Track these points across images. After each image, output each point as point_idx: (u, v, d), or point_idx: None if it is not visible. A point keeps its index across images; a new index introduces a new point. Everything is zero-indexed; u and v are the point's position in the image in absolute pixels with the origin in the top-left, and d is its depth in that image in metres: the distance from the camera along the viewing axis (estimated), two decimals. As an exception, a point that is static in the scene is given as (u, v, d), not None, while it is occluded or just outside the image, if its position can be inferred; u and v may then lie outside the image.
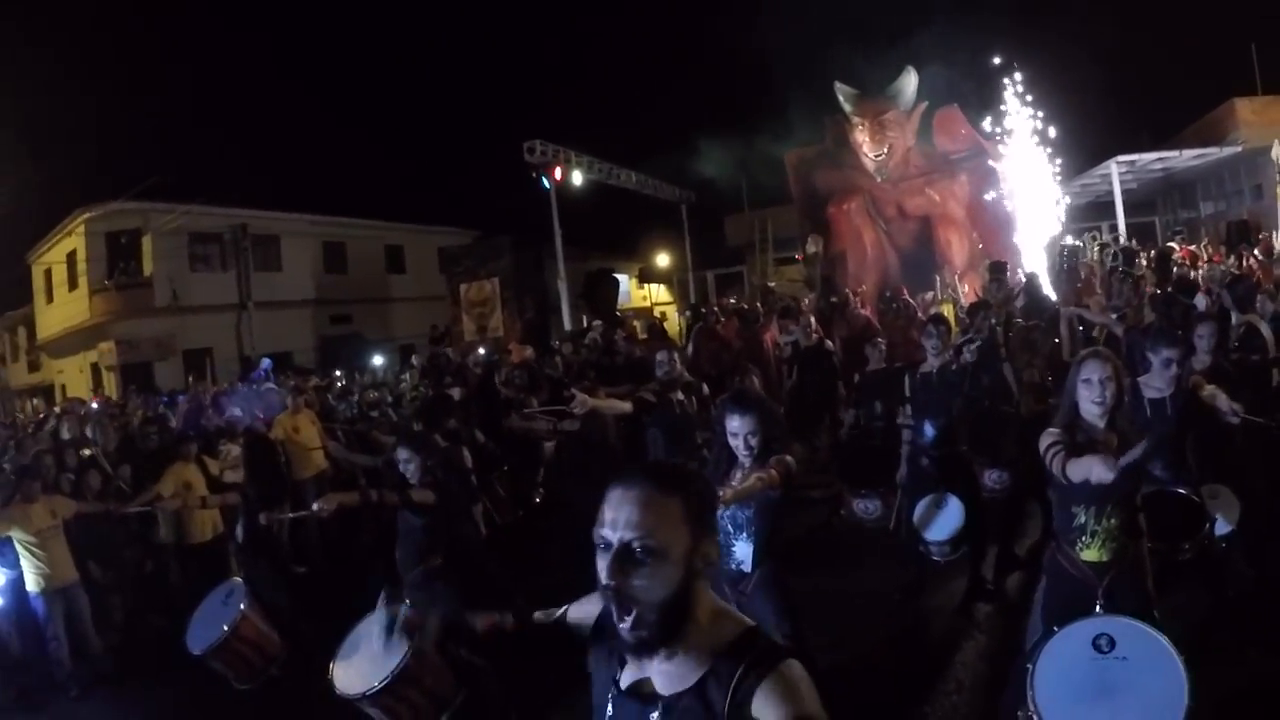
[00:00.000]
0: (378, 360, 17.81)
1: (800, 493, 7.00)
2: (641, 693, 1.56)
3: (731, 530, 3.56)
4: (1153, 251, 14.39)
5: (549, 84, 41.21)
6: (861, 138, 16.24)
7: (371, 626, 4.25)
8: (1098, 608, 3.08)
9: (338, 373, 15.94)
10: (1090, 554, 3.17)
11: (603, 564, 1.45)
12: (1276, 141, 18.42)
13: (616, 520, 1.45)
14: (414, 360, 14.49)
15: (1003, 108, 15.02)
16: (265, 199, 23.49)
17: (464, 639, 4.15)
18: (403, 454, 4.89)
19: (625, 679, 1.60)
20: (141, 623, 6.93)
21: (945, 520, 5.31)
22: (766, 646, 1.54)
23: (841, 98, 16.63)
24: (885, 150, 16.16)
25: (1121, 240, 16.39)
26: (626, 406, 5.63)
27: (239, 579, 5.44)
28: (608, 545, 1.45)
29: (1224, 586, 4.41)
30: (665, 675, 1.52)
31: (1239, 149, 19.75)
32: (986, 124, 15.36)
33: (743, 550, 3.55)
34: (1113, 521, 3.12)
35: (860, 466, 7.36)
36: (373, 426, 9.49)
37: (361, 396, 12.40)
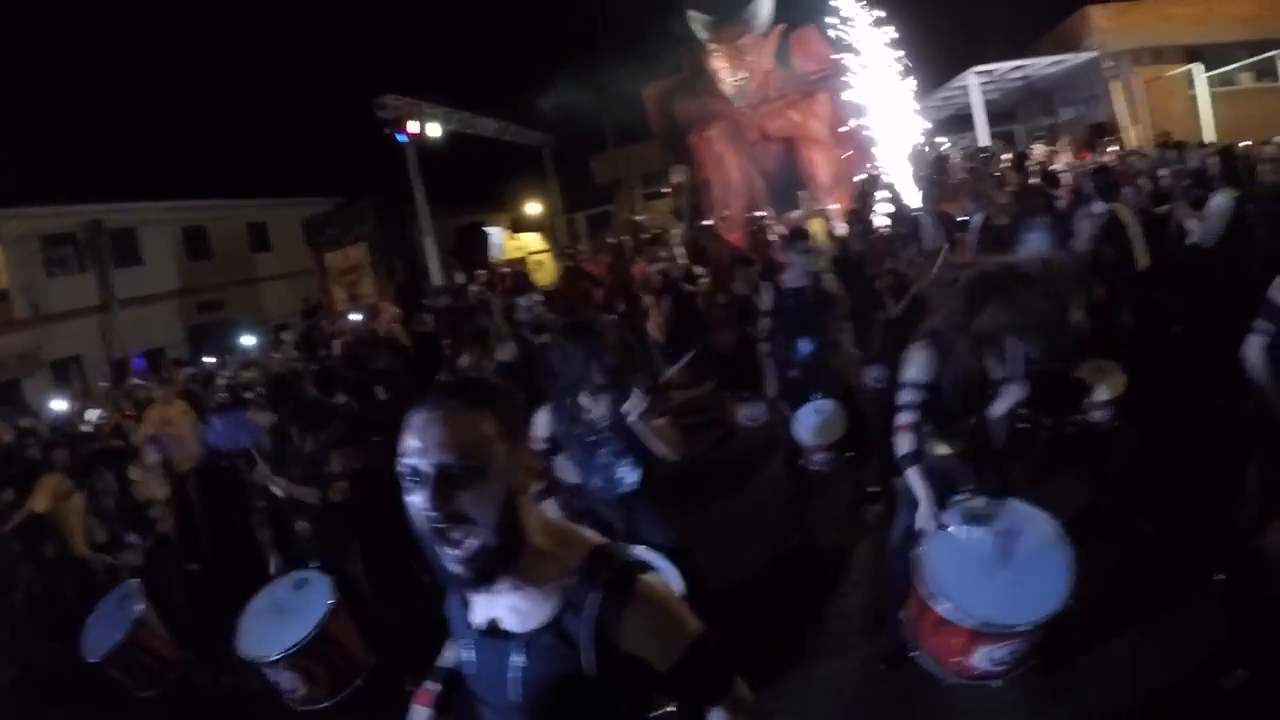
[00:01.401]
0: (250, 341, 16.83)
1: (686, 419, 7.42)
2: (497, 632, 1.45)
3: (615, 457, 3.66)
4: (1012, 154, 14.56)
5: (397, 36, 39.77)
6: (719, 64, 16.03)
7: (277, 591, 4.26)
8: (968, 491, 3.18)
9: (206, 360, 15.04)
10: (942, 449, 3.32)
11: (419, 497, 1.33)
12: (1099, 50, 18.94)
13: (426, 445, 1.32)
14: (284, 336, 13.64)
15: (854, 24, 14.94)
16: (116, 191, 22.00)
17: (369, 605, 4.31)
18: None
19: (478, 618, 1.48)
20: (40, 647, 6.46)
21: (826, 426, 5.27)
22: (620, 565, 1.43)
23: (696, 25, 16.36)
24: (744, 75, 16.00)
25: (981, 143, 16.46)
26: None
27: (134, 580, 5.03)
28: (420, 475, 1.33)
29: (1108, 460, 4.58)
30: (516, 611, 1.43)
31: (1095, 54, 20.10)
32: (842, 41, 15.26)
33: (628, 473, 3.67)
34: (971, 421, 3.28)
35: (741, 376, 7.43)
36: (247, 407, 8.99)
37: (234, 378, 11.73)
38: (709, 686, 1.44)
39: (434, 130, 18.21)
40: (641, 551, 3.08)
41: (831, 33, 15.13)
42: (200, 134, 32.50)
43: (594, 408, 3.58)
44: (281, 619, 4.06)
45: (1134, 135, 17.99)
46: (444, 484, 1.31)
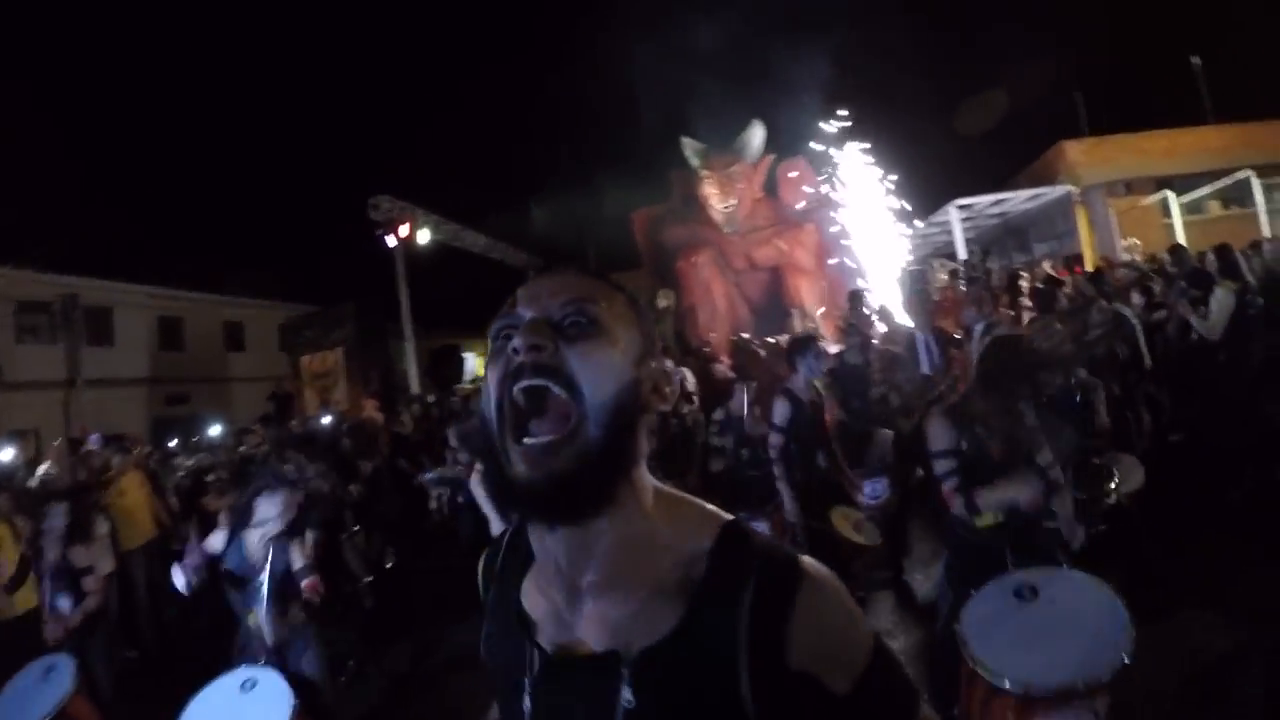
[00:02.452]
0: (214, 432, 16.40)
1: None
2: (584, 658, 0.97)
3: None
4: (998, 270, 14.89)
5: (393, 146, 40.45)
6: (710, 190, 16.18)
7: (220, 692, 3.62)
8: (1009, 564, 3.09)
9: (171, 443, 14.68)
10: (985, 520, 3.25)
11: (513, 348, 0.96)
12: (1067, 181, 19.52)
13: (537, 295, 1.01)
14: (254, 427, 13.27)
15: (842, 158, 15.27)
16: (98, 267, 21.68)
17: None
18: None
19: (549, 637, 1.02)
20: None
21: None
22: (770, 548, 1.00)
23: (689, 152, 16.58)
24: (734, 202, 16.14)
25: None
26: None
27: (65, 654, 4.40)
28: (517, 326, 0.99)
29: (1140, 544, 4.61)
30: (612, 624, 0.97)
31: (1068, 189, 20.68)
32: (831, 176, 15.58)
33: None
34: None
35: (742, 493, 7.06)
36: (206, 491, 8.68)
37: (196, 463, 11.44)
38: (895, 710, 1.01)
39: (424, 237, 18.21)
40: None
41: (820, 165, 15.44)
42: (189, 225, 32.56)
43: None
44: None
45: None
46: (546, 326, 0.98)
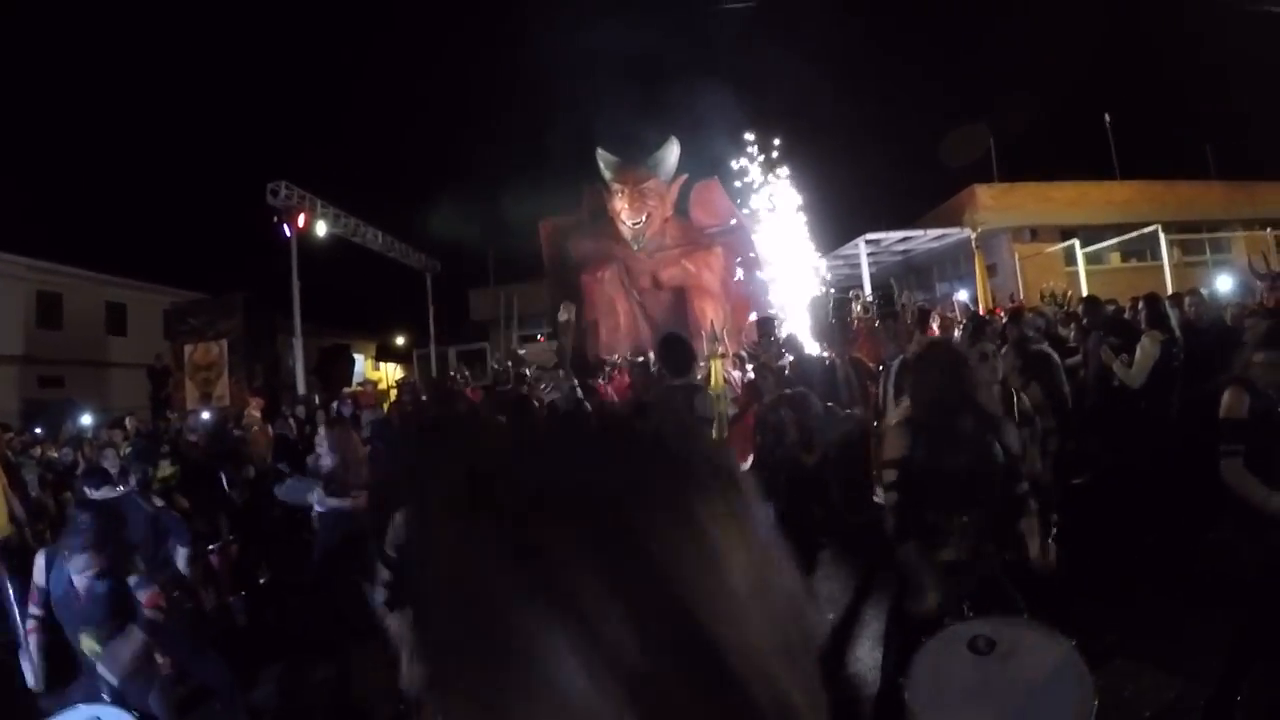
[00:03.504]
0: (87, 420, 15.37)
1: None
2: None
3: None
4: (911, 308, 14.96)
5: (296, 133, 39.28)
6: (620, 205, 15.91)
7: None
8: (966, 611, 2.89)
9: (38, 430, 13.68)
10: (946, 554, 3.13)
11: None
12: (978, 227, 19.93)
13: None
14: (127, 422, 12.51)
15: (759, 182, 15.20)
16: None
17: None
18: None
19: None
20: None
21: None
22: None
23: (602, 164, 16.30)
24: (643, 219, 15.90)
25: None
26: None
27: None
28: None
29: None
30: None
31: (968, 231, 21.15)
32: (745, 200, 15.49)
33: None
34: (965, 519, 3.10)
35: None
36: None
37: (54, 455, 10.66)
38: None
39: (321, 229, 17.54)
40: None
41: (734, 188, 15.35)
42: (77, 197, 30.84)
43: None
44: None
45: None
46: None
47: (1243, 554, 3.35)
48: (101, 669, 3.53)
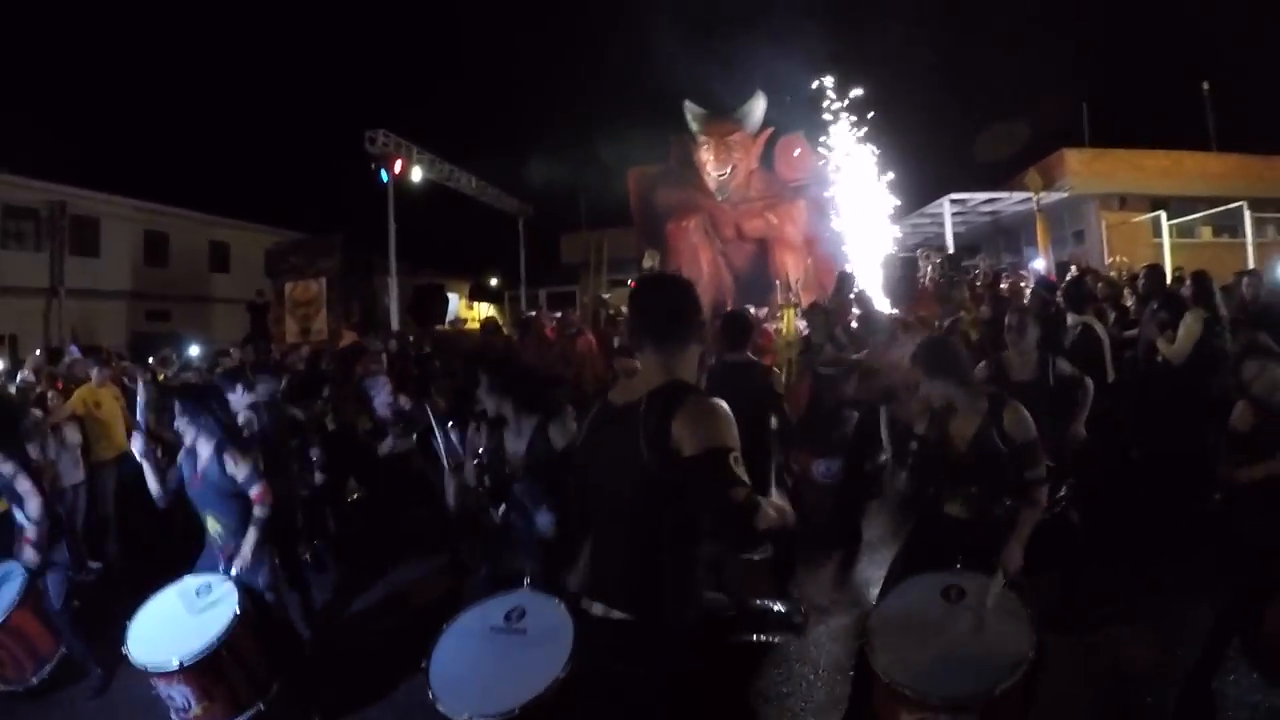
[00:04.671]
0: (194, 352, 16.37)
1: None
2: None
3: (531, 498, 3.57)
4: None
5: (394, 82, 40.02)
6: (706, 156, 16.24)
7: (177, 596, 3.81)
8: (958, 564, 3.11)
9: (150, 359, 14.66)
10: (953, 508, 3.35)
11: None
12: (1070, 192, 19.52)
13: None
14: (232, 352, 13.28)
15: (842, 137, 15.28)
16: (88, 177, 21.54)
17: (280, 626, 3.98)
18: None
19: None
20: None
21: None
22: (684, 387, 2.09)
23: (689, 116, 16.61)
24: (728, 170, 16.20)
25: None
26: None
27: (18, 562, 4.51)
28: None
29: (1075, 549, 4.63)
30: None
31: (1067, 194, 20.78)
32: (828, 154, 15.58)
33: (544, 520, 3.54)
34: (974, 489, 3.30)
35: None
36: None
37: (173, 377, 11.31)
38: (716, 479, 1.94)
39: (417, 175, 18.19)
40: (540, 600, 3.08)
41: (818, 142, 15.46)
42: (182, 142, 32.24)
43: (511, 441, 3.52)
44: (179, 627, 3.65)
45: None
46: None
47: (1235, 528, 3.53)
48: (219, 544, 4.07)
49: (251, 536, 4.00)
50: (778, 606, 4.68)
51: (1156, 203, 20.75)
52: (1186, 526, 4.72)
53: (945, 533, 3.32)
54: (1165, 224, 19.27)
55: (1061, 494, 4.37)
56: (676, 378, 2.15)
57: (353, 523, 7.33)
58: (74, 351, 13.26)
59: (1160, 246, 19.03)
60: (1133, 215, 21.23)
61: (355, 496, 7.76)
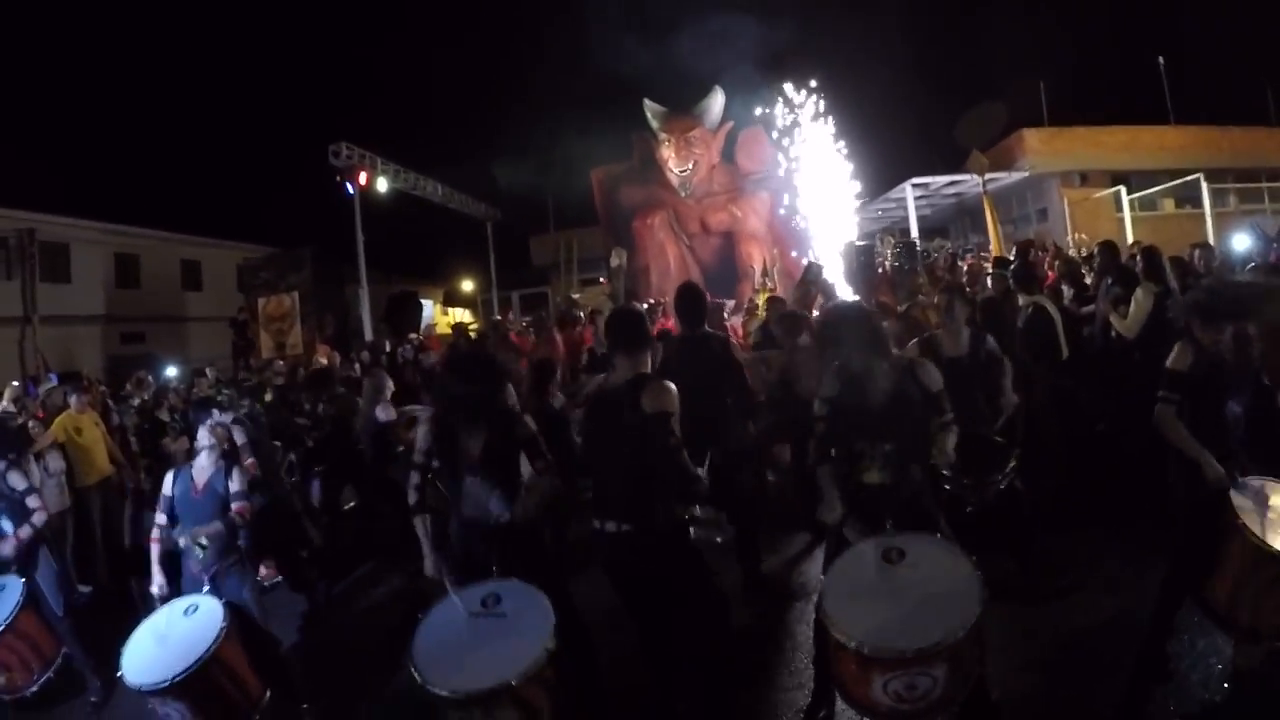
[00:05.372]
0: (172, 372, 16.42)
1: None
2: None
3: (487, 489, 3.66)
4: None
5: (355, 94, 40.13)
6: (667, 153, 16.43)
7: (165, 617, 3.96)
8: (888, 526, 3.22)
9: (128, 385, 14.67)
10: (871, 476, 3.42)
11: None
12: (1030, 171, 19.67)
13: None
14: (208, 372, 13.34)
15: (800, 126, 15.46)
16: (55, 203, 21.44)
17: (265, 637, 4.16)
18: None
19: None
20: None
21: None
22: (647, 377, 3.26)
23: (649, 114, 16.79)
24: (690, 166, 16.40)
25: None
26: None
27: (14, 574, 4.65)
28: None
29: (1025, 527, 4.76)
30: None
31: (1026, 174, 21.08)
32: (786, 145, 15.75)
33: (497, 506, 3.63)
34: (889, 447, 3.39)
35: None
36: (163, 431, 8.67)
37: (149, 401, 11.38)
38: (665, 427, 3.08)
39: (382, 185, 18.30)
40: (512, 586, 3.25)
41: (776, 135, 15.65)
42: (149, 164, 32.14)
43: (470, 438, 3.64)
44: (169, 645, 3.79)
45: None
46: None
47: (1176, 494, 3.55)
48: (201, 562, 4.18)
49: (227, 533, 4.24)
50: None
51: (1117, 178, 21.06)
52: (1145, 496, 4.71)
53: (869, 501, 3.39)
54: (1125, 199, 19.59)
55: (1010, 466, 4.53)
56: (641, 371, 3.35)
57: (346, 531, 7.48)
58: (53, 379, 13.26)
59: (1123, 221, 19.33)
60: (1094, 191, 21.55)
61: (350, 506, 7.96)
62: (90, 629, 4.55)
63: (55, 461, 6.97)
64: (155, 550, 4.35)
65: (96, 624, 4.30)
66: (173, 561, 4.37)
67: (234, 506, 4.29)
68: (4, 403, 9.35)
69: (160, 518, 4.37)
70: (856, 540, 3.27)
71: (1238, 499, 3.29)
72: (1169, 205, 21.84)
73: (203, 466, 4.37)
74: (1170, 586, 3.49)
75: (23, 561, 4.76)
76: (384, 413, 6.87)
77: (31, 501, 4.89)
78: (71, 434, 7.39)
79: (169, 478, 4.44)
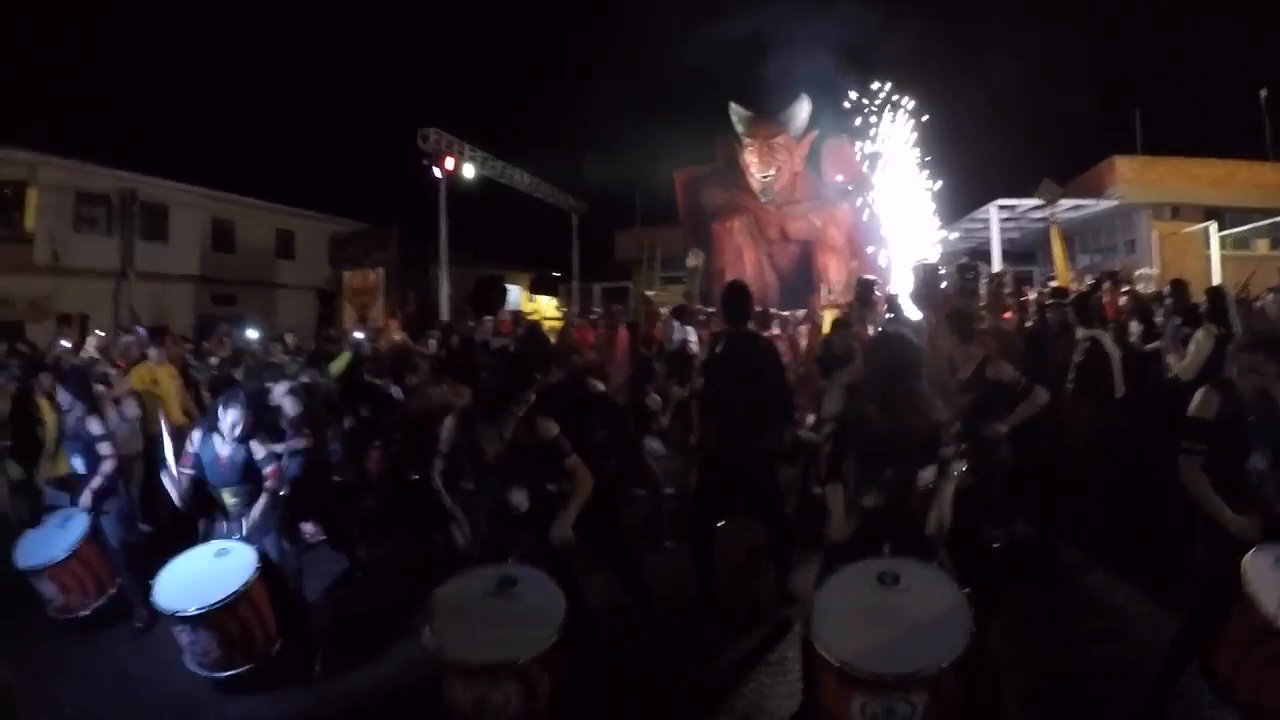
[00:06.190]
0: (253, 334, 17.10)
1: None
2: None
3: (508, 481, 3.82)
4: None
5: (449, 78, 40.97)
6: (750, 159, 16.57)
7: (199, 556, 4.35)
8: (885, 550, 3.25)
9: (206, 343, 15.38)
10: (869, 500, 3.45)
11: None
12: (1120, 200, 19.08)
13: None
14: (286, 338, 13.89)
15: (885, 140, 15.51)
16: (158, 166, 22.46)
17: (287, 586, 4.49)
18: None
19: None
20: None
21: None
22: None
23: (735, 118, 16.94)
24: (772, 172, 16.51)
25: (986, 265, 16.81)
26: None
27: (80, 509, 5.18)
28: None
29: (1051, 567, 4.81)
30: None
31: (1115, 202, 20.63)
32: (872, 158, 15.82)
33: (519, 497, 3.80)
34: (888, 474, 3.41)
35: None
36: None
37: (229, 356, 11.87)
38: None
39: (469, 171, 18.79)
40: (529, 573, 3.42)
41: (864, 148, 15.73)
42: (251, 134, 33.43)
43: (487, 438, 3.74)
44: (202, 581, 4.13)
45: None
46: None
47: (1195, 552, 3.39)
48: (233, 511, 4.56)
49: (261, 503, 4.55)
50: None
51: (1210, 213, 20.47)
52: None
53: (867, 524, 3.42)
54: (1214, 235, 19.06)
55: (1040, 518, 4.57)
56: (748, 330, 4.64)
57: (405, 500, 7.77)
58: (140, 333, 13.95)
59: (1211, 259, 18.80)
60: (1185, 225, 20.97)
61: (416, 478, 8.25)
62: (145, 564, 4.87)
63: (131, 408, 7.38)
64: (185, 483, 4.67)
65: (152, 560, 4.55)
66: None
67: (265, 471, 4.62)
68: (90, 350, 9.99)
69: (186, 470, 4.67)
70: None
71: (1255, 563, 3.08)
72: (1263, 245, 21.10)
73: (223, 443, 4.63)
74: (1178, 646, 3.38)
75: (96, 500, 5.22)
76: None
77: (103, 448, 5.32)
78: (148, 384, 7.84)
79: (196, 434, 4.72)
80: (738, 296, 5.07)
